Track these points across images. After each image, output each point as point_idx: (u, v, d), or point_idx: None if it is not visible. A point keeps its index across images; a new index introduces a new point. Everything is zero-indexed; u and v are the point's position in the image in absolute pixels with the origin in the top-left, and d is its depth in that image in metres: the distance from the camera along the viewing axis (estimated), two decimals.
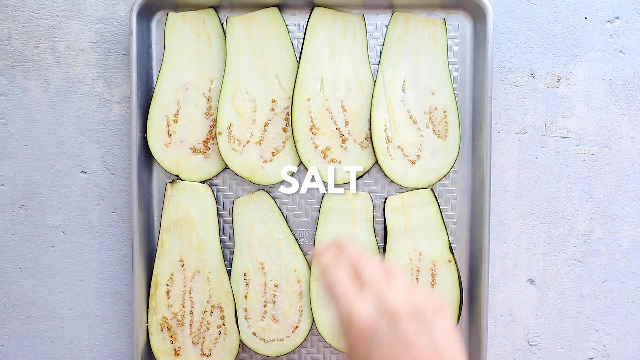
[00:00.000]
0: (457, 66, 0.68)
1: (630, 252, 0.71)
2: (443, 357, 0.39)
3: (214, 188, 0.69)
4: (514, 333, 0.71)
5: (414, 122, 0.67)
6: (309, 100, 0.67)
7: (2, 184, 0.70)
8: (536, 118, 0.69)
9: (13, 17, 0.68)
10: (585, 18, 0.69)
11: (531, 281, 0.71)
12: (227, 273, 0.68)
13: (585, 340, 0.71)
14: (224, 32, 0.67)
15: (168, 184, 0.67)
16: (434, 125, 0.67)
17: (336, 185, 0.68)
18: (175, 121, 0.67)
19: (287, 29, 0.67)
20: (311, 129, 0.67)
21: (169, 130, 0.67)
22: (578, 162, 0.70)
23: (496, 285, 0.70)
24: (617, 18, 0.69)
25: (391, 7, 0.68)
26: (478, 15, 0.66)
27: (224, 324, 0.68)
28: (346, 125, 0.67)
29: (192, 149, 0.67)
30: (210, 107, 0.68)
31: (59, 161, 0.70)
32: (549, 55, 0.69)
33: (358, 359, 0.39)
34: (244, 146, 0.67)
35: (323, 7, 0.67)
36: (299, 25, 0.68)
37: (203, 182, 0.68)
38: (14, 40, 0.69)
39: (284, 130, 0.67)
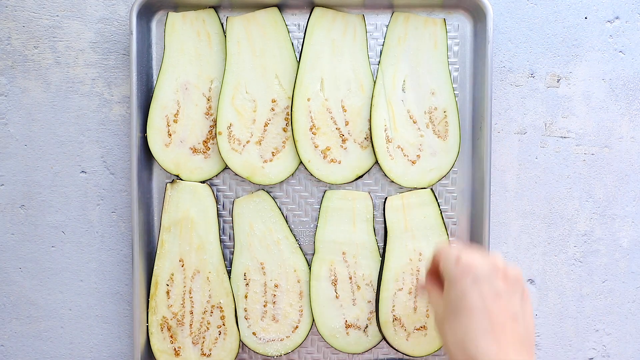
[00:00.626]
0: (457, 66, 0.68)
1: (630, 252, 0.71)
2: (522, 325, 0.47)
3: (214, 188, 0.69)
4: None
5: (414, 122, 0.67)
6: (309, 100, 0.67)
7: (2, 184, 0.70)
8: (536, 118, 0.69)
9: (13, 17, 0.68)
10: (585, 18, 0.69)
11: (531, 281, 0.71)
12: (227, 273, 0.68)
13: (585, 340, 0.71)
14: (224, 32, 0.67)
15: (168, 184, 0.67)
16: (434, 125, 0.67)
17: (336, 185, 0.68)
18: (175, 121, 0.67)
19: (287, 29, 0.67)
20: (311, 129, 0.67)
21: (169, 130, 0.67)
22: (578, 162, 0.70)
23: None
24: (617, 18, 0.69)
25: (391, 7, 0.68)
26: (478, 15, 0.66)
27: (224, 324, 0.68)
28: (346, 125, 0.67)
29: (192, 149, 0.67)
30: (210, 107, 0.68)
31: (59, 161, 0.70)
32: (549, 55, 0.69)
33: (456, 294, 0.49)
34: (244, 146, 0.67)
35: (323, 7, 0.67)
36: (299, 25, 0.68)
37: (203, 182, 0.68)
38: (14, 40, 0.69)
39: (284, 130, 0.67)
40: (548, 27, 0.69)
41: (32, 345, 0.71)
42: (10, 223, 0.70)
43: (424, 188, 0.68)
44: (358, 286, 0.68)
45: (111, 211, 0.70)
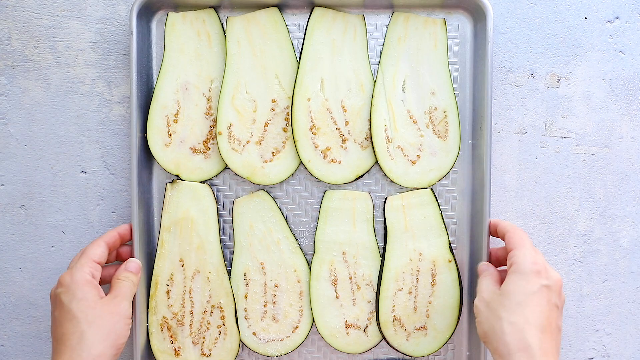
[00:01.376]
0: (457, 66, 0.68)
1: (630, 252, 0.71)
2: (560, 338, 0.57)
3: (214, 188, 0.69)
4: None
5: (414, 122, 0.67)
6: (309, 100, 0.67)
7: (2, 184, 0.70)
8: (536, 118, 0.70)
9: (13, 17, 0.68)
10: (585, 18, 0.69)
11: None
12: (227, 273, 0.68)
13: (585, 340, 0.71)
14: (224, 32, 0.67)
15: (168, 184, 0.67)
16: (434, 125, 0.67)
17: (336, 185, 0.68)
18: (175, 121, 0.67)
19: (287, 29, 0.67)
20: (311, 129, 0.67)
21: (169, 130, 0.67)
22: (578, 162, 0.70)
23: None
24: (617, 18, 0.69)
25: (391, 7, 0.68)
26: (478, 15, 0.66)
27: (224, 324, 0.67)
28: (346, 125, 0.67)
29: (192, 149, 0.67)
30: (210, 107, 0.68)
31: (59, 161, 0.70)
32: (549, 55, 0.69)
33: (525, 288, 0.55)
34: (244, 146, 0.67)
35: (323, 7, 0.67)
36: (299, 25, 0.68)
37: (203, 182, 0.68)
38: (14, 40, 0.69)
39: (284, 130, 0.67)
40: (548, 27, 0.69)
41: (32, 345, 0.71)
42: (10, 223, 0.70)
43: (424, 188, 0.68)
44: (358, 286, 0.68)
45: (111, 211, 0.70)
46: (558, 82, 0.69)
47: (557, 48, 0.69)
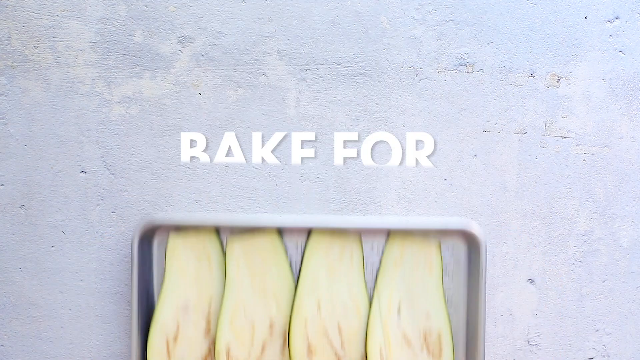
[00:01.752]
0: (452, 288, 0.68)
1: (630, 252, 0.71)
2: None
3: None
4: (514, 333, 0.71)
5: (409, 345, 0.67)
6: (306, 322, 0.67)
7: (2, 184, 0.70)
8: (536, 118, 0.70)
9: (13, 17, 0.68)
10: (585, 18, 0.69)
11: (531, 281, 0.71)
12: None
13: (585, 340, 0.71)
14: (224, 252, 0.68)
15: None
16: (428, 347, 0.67)
17: None
18: (175, 340, 0.67)
19: (286, 252, 0.68)
20: (308, 350, 0.67)
21: (168, 351, 0.67)
22: (578, 162, 0.70)
23: (496, 285, 0.70)
24: (617, 18, 0.69)
25: (387, 230, 0.68)
26: (473, 242, 0.67)
27: None
28: (342, 347, 0.67)
29: None
30: (209, 328, 0.68)
31: (59, 161, 0.70)
32: (549, 55, 0.69)
33: None
34: None
35: (320, 231, 0.67)
36: (297, 245, 0.69)
37: None
38: (14, 40, 0.69)
39: (282, 351, 0.67)
40: (548, 27, 0.69)
41: (32, 345, 0.71)
42: (10, 223, 0.70)
43: None
44: None
45: (111, 211, 0.70)
46: (558, 81, 0.69)
47: (557, 48, 0.69)
